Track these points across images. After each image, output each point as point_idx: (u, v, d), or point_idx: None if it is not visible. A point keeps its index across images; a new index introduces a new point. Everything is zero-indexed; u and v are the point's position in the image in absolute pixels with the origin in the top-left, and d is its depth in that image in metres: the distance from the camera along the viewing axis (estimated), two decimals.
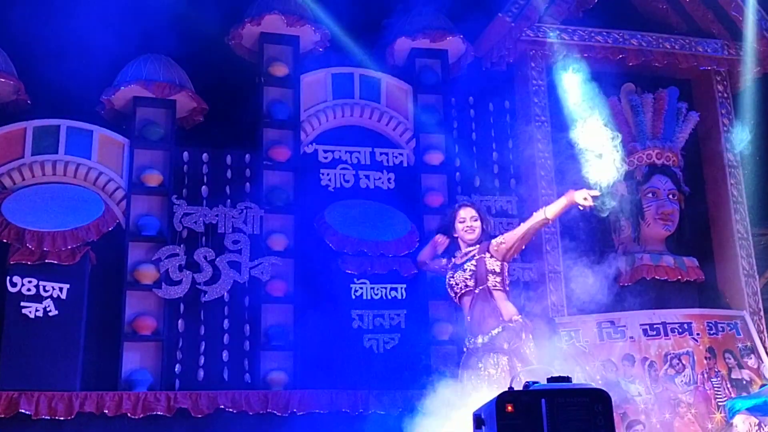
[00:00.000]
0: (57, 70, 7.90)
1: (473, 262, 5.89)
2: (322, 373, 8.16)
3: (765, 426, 6.13)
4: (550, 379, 3.72)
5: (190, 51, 8.75)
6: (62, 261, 7.90)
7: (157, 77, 8.60)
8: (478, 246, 6.01)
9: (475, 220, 6.00)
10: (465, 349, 5.97)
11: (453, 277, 5.93)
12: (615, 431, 3.56)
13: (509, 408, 3.44)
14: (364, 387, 7.99)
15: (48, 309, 7.78)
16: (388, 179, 9.06)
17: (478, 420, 3.65)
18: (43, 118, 8.31)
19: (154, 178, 8.43)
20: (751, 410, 3.85)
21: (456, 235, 6.09)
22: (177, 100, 8.69)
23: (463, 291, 5.84)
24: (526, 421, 3.44)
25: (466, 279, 5.83)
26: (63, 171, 8.26)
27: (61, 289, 7.87)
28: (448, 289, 6.09)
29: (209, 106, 8.84)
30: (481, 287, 5.80)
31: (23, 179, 8.19)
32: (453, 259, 6.12)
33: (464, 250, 6.06)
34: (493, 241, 5.98)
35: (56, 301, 7.82)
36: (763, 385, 5.03)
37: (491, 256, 5.87)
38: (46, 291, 7.83)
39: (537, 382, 3.71)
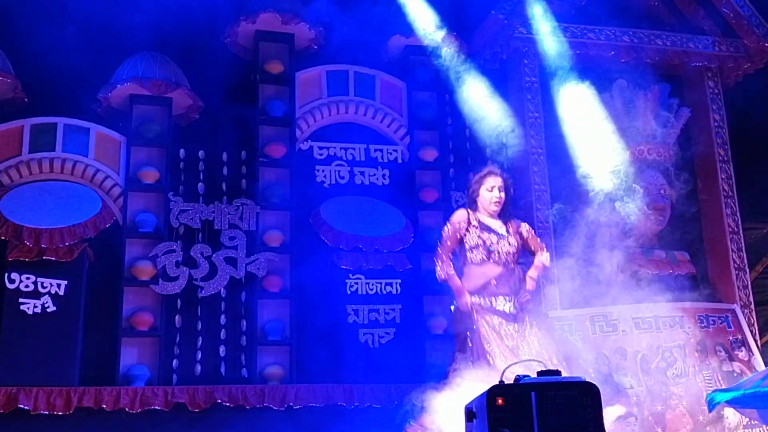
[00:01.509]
0: (54, 69, 7.96)
1: (515, 238, 5.82)
2: (318, 367, 8.24)
3: (753, 420, 6.20)
4: (540, 373, 3.79)
5: (186, 49, 8.82)
6: (60, 258, 7.97)
7: (153, 75, 8.66)
8: (510, 221, 5.89)
9: (502, 191, 5.83)
10: (474, 305, 5.65)
11: (494, 243, 5.69)
12: (603, 424, 3.62)
13: (500, 401, 3.51)
14: (360, 381, 8.07)
15: (46, 305, 7.86)
16: (383, 175, 9.13)
17: (470, 413, 3.72)
18: (41, 116, 8.38)
19: (150, 175, 8.50)
20: (731, 402, 3.89)
21: (477, 199, 5.84)
22: (173, 98, 8.76)
23: (502, 259, 5.72)
24: (516, 413, 3.49)
25: (511, 253, 5.78)
26: (60, 168, 8.32)
27: (59, 286, 7.94)
28: (479, 249, 5.68)
29: (205, 103, 8.91)
30: (519, 263, 5.90)
31: (21, 177, 8.25)
32: (478, 219, 5.79)
33: (491, 220, 5.81)
34: (525, 228, 5.97)
35: (54, 297, 7.90)
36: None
37: (520, 237, 5.90)
38: (44, 287, 7.91)
39: (527, 376, 3.78)
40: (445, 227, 5.88)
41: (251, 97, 9.02)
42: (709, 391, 7.71)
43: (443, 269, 5.75)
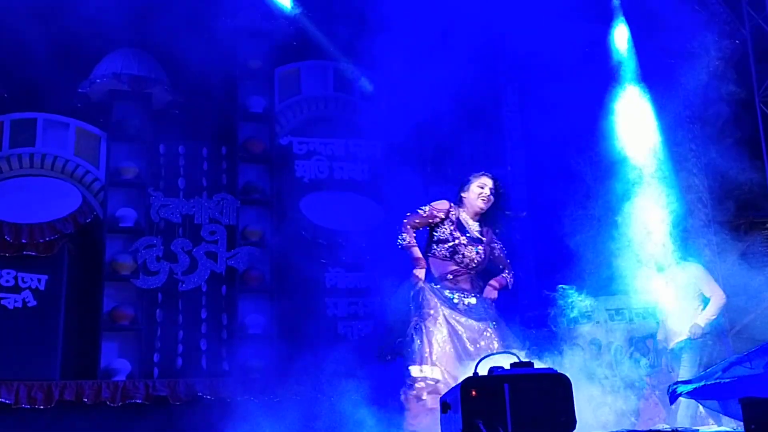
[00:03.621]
0: (33, 64, 7.96)
1: (485, 248, 5.75)
2: (298, 359, 8.33)
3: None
4: (514, 365, 3.89)
5: (166, 45, 8.81)
6: (40, 253, 8.02)
7: (133, 71, 8.70)
8: (483, 228, 5.84)
9: (493, 193, 5.81)
10: (434, 294, 5.55)
11: (463, 246, 5.64)
12: (575, 414, 3.72)
13: (473, 393, 3.61)
14: (339, 373, 8.16)
15: (27, 300, 7.91)
16: (362, 170, 9.22)
17: (444, 405, 3.82)
18: (20, 112, 8.39)
19: (130, 171, 8.55)
20: (692, 394, 4.01)
21: (465, 196, 5.80)
22: (153, 94, 8.80)
23: (464, 263, 5.66)
24: (490, 405, 3.59)
25: (476, 261, 5.68)
26: (40, 163, 8.34)
27: (39, 281, 7.99)
28: (445, 245, 5.64)
29: (185, 99, 8.94)
30: (480, 269, 5.79)
31: (1, 172, 8.26)
32: (458, 216, 5.73)
33: (470, 221, 5.78)
34: (499, 245, 5.90)
35: (35, 292, 7.94)
36: (708, 369, 5.20)
37: (491, 250, 5.84)
38: (24, 282, 7.95)
39: (501, 368, 3.89)
40: (424, 207, 5.78)
41: (231, 93, 9.06)
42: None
43: (406, 237, 5.65)
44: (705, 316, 6.70)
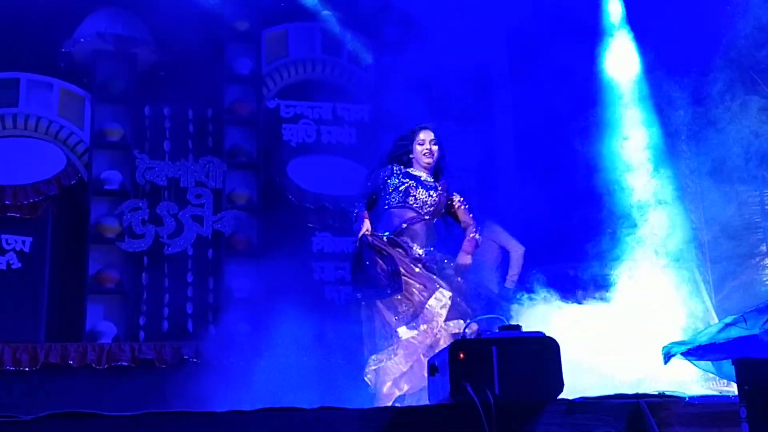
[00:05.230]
0: (15, 22, 7.83)
1: (439, 194, 5.66)
2: (284, 324, 8.33)
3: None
4: (502, 328, 3.90)
5: (152, 4, 8.67)
6: (24, 214, 7.95)
7: (117, 30, 8.57)
8: (442, 181, 5.76)
9: (434, 144, 5.69)
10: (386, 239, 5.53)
11: (413, 188, 5.59)
12: (562, 377, 3.74)
13: (461, 356, 3.62)
14: (326, 337, 8.18)
15: (11, 262, 7.86)
16: (350, 134, 9.16)
17: (432, 368, 3.83)
18: (2, 71, 8.25)
19: (115, 132, 8.46)
20: (686, 354, 4.02)
21: (411, 156, 5.71)
22: (138, 54, 8.67)
23: (418, 205, 5.59)
24: (478, 368, 3.60)
25: (429, 203, 5.61)
26: (24, 124, 8.24)
27: (23, 243, 7.93)
28: (397, 192, 5.59)
29: (171, 60, 8.81)
30: (434, 218, 5.69)
31: None
32: (408, 171, 5.67)
33: (421, 172, 5.67)
34: (458, 197, 5.81)
35: (19, 254, 7.89)
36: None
37: (447, 201, 5.73)
38: (8, 244, 7.90)
39: (489, 331, 3.89)
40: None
41: (217, 55, 8.94)
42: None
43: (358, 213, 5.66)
44: (511, 278, 6.91)
